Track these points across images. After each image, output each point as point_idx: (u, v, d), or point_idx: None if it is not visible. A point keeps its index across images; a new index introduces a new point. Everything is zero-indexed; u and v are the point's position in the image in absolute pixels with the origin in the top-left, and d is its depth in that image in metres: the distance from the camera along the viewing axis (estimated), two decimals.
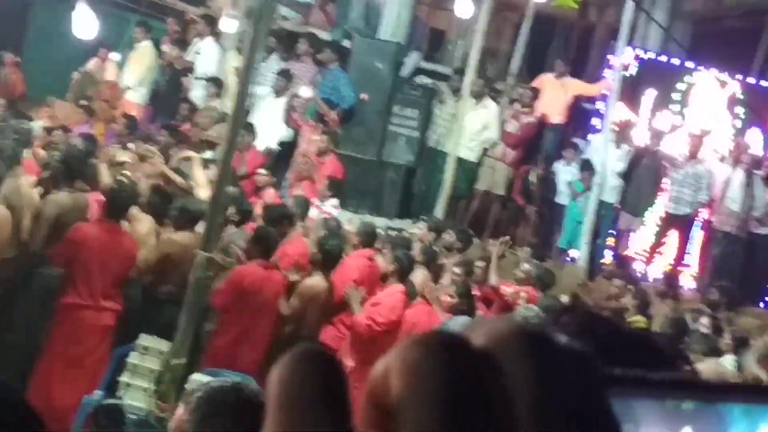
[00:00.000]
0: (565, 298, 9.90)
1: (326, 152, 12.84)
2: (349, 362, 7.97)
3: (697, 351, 7.37)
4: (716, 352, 7.57)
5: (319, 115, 13.72)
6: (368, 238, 9.75)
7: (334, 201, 12.17)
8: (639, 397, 0.60)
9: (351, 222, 11.26)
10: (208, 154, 11.41)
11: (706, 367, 7.12)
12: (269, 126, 13.43)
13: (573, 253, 13.66)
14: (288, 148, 13.55)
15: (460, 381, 0.53)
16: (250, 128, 12.39)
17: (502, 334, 0.55)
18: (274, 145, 13.51)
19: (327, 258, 8.59)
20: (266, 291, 8.02)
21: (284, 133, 13.73)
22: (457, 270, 9.32)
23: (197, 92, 14.25)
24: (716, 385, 0.61)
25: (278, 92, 13.81)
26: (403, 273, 8.73)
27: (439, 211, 13.66)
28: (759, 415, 0.60)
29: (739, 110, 14.07)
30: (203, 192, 9.56)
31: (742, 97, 14.04)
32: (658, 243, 13.89)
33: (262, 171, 12.09)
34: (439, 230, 11.73)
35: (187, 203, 8.88)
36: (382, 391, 0.54)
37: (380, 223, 12.07)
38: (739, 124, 14.09)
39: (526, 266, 10.28)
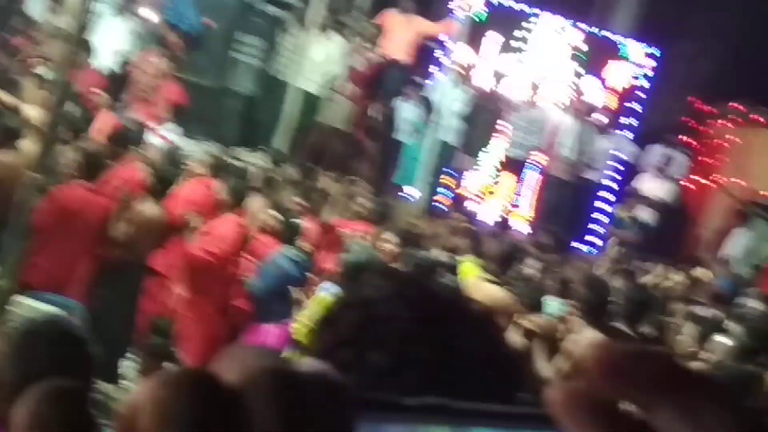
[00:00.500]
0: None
1: (164, 75, 12.56)
2: (181, 291, 7.90)
3: (523, 295, 7.53)
4: (538, 301, 7.74)
5: (161, 38, 13.38)
6: (207, 165, 9.62)
7: (174, 126, 11.94)
8: (390, 421, 0.58)
9: (190, 148, 11.09)
10: (42, 71, 11.00)
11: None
12: (109, 46, 13.02)
13: (409, 190, 13.81)
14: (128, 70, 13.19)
15: (208, 423, 0.52)
16: (88, 46, 11.99)
17: (252, 373, 0.54)
18: (113, 66, 13.12)
19: (161, 184, 8.44)
20: (88, 213, 7.81)
21: (125, 54, 13.35)
22: (295, 201, 9.30)
23: (34, 6, 13.69)
24: (470, 410, 0.60)
25: (121, 12, 13.39)
26: (236, 202, 8.67)
27: (280, 142, 13.59)
28: None
29: (579, 58, 14.41)
30: (32, 110, 9.21)
31: (581, 45, 14.37)
32: (492, 184, 14.19)
33: (98, 91, 11.74)
34: (279, 161, 11.66)
35: (6, 120, 8.55)
36: (129, 428, 0.53)
37: (219, 150, 11.92)
38: (577, 71, 14.44)
39: (362, 201, 10.33)
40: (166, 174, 8.52)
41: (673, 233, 14.39)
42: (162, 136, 11.26)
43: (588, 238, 14.35)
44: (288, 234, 8.55)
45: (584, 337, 6.42)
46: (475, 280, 7.77)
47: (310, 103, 13.93)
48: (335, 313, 1.16)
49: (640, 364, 0.53)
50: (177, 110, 12.25)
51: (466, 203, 13.96)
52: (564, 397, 0.53)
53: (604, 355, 0.54)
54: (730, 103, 15.08)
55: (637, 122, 14.96)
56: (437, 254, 8.42)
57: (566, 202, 14.05)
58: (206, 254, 8.05)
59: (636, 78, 14.60)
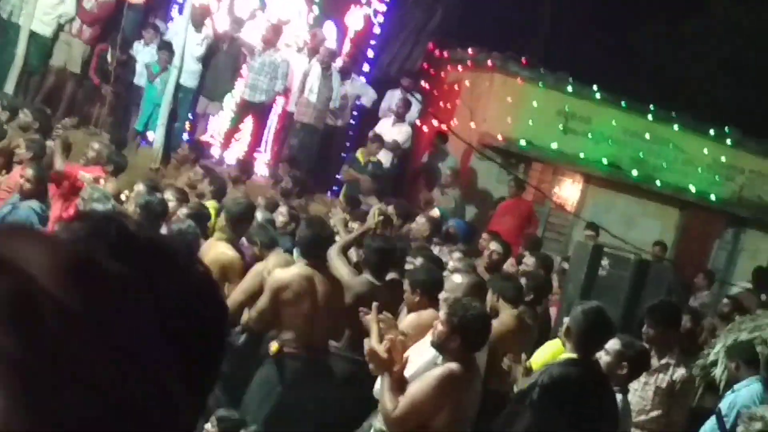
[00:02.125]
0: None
1: None
2: None
3: (258, 243, 7.58)
4: (275, 244, 7.81)
5: None
6: None
7: None
8: None
9: None
10: None
11: (274, 260, 7.38)
12: None
13: (150, 135, 13.57)
14: None
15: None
16: None
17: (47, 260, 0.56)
18: None
19: None
20: None
21: None
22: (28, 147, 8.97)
23: None
24: None
25: None
26: None
27: (11, 87, 12.98)
28: None
29: (317, 2, 14.51)
30: None
31: None
32: (234, 129, 14.14)
33: None
34: (14, 108, 11.16)
35: None
36: None
37: None
38: (315, 16, 14.54)
39: (96, 146, 10.06)
40: None
41: (410, 176, 14.85)
42: None
43: (333, 182, 14.58)
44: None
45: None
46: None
47: (42, 45, 13.35)
48: None
49: None
50: None
51: (208, 148, 13.84)
52: None
53: None
54: (462, 49, 15.62)
55: (376, 68, 15.28)
56: (170, 198, 8.36)
57: (311, 148, 14.18)
58: None
59: (373, 24, 14.87)
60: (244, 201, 8.50)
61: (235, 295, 7.03)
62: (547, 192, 14.54)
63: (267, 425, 6.53)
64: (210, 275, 1.13)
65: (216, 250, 7.48)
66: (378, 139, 14.07)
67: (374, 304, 5.75)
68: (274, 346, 6.76)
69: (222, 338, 1.11)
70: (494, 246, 9.61)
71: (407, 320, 6.50)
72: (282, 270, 6.90)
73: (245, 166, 12.51)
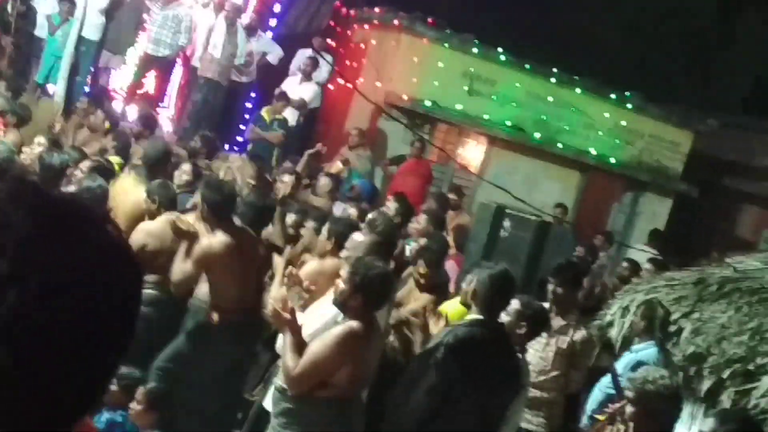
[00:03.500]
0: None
1: None
2: None
3: (156, 200, 7.45)
4: (174, 204, 7.68)
5: None
6: None
7: None
8: None
9: None
10: None
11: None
12: None
13: (51, 88, 13.29)
14: None
15: None
16: None
17: None
18: None
19: None
20: None
21: None
22: None
23: None
24: None
25: None
26: None
27: None
28: None
29: None
30: None
31: None
32: (137, 83, 13.93)
33: None
34: None
35: None
36: None
37: None
38: None
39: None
40: None
41: (316, 135, 14.81)
42: None
43: (237, 139, 14.47)
44: None
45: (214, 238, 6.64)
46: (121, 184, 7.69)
47: None
48: None
49: None
50: None
51: (111, 102, 13.62)
52: None
53: None
54: (369, 8, 15.59)
55: (283, 25, 15.16)
56: (72, 155, 8.19)
57: (215, 104, 14.02)
58: None
59: None
60: (161, 144, 8.39)
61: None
62: (452, 153, 14.64)
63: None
64: (122, 237, 1.14)
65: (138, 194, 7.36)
66: (284, 96, 13.99)
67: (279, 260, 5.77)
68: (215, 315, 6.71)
69: (137, 299, 1.12)
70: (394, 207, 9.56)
71: (309, 267, 6.53)
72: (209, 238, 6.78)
73: (148, 121, 12.29)
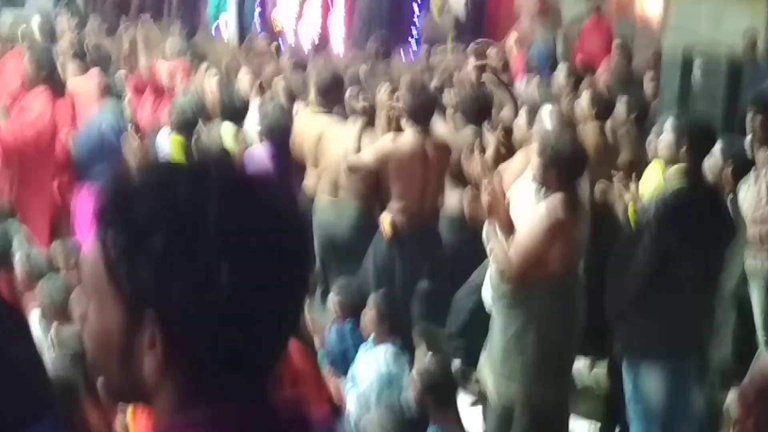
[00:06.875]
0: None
1: None
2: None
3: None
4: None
5: None
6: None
7: None
8: None
9: None
10: None
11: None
12: None
13: (221, 23, 13.48)
14: None
15: None
16: None
17: None
18: None
19: None
20: None
21: None
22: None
23: None
24: None
25: None
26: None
27: None
28: None
29: None
30: None
31: None
32: (302, 9, 13.82)
33: None
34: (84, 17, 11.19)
35: None
36: None
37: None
38: None
39: (172, 41, 10.03)
40: None
41: (485, 18, 14.44)
42: None
43: (409, 40, 14.20)
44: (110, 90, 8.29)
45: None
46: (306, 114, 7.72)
47: None
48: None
49: None
50: None
51: (280, 33, 13.58)
52: None
53: None
54: None
55: None
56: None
57: (382, 7, 13.77)
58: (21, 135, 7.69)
59: None
60: (329, 69, 8.43)
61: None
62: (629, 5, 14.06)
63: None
64: (297, 207, 1.38)
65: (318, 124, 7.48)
66: None
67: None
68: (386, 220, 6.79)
69: (308, 250, 1.34)
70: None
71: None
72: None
73: (320, 43, 12.09)
